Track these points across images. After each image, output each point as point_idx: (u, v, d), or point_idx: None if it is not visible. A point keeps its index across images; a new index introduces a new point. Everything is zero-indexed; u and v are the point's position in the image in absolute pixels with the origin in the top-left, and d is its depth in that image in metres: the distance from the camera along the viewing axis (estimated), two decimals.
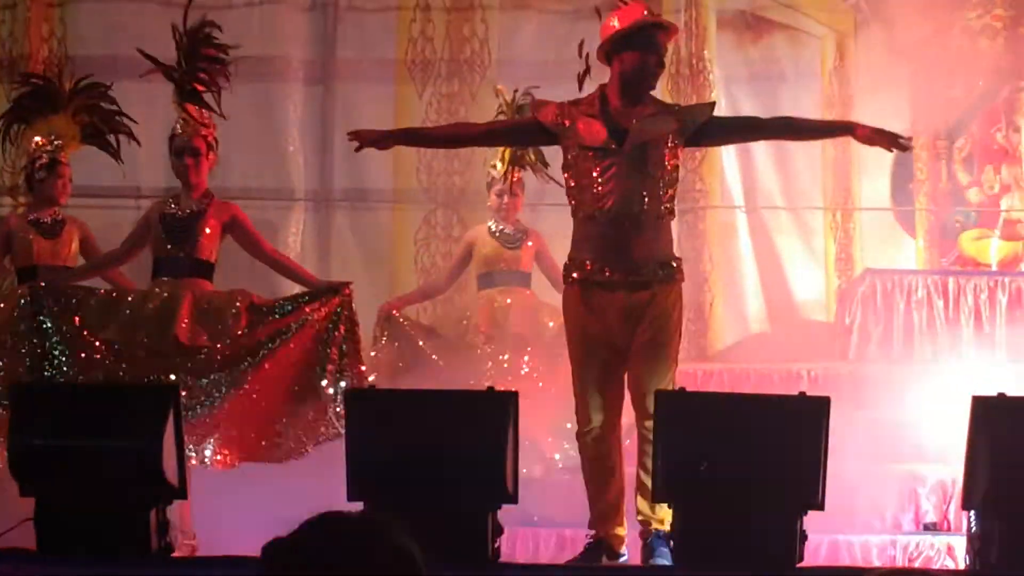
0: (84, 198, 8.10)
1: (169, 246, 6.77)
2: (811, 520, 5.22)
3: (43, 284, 6.74)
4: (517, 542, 6.69)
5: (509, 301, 7.69)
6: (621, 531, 5.82)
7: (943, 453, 6.85)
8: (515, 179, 7.52)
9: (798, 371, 7.63)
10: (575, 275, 5.84)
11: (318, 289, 6.78)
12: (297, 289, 6.89)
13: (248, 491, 6.77)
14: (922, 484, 7.13)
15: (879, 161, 8.45)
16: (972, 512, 5.25)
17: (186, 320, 6.57)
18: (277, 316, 6.66)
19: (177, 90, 6.99)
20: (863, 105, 8.28)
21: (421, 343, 7.60)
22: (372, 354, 7.56)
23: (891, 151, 6.08)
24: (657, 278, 5.80)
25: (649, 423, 5.55)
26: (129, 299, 6.74)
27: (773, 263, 8.65)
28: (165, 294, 6.65)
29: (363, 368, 6.63)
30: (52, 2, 8.64)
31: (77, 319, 6.57)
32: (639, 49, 5.83)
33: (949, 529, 6.94)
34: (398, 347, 7.58)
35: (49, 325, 6.56)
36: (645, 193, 5.76)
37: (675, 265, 5.86)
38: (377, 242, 8.64)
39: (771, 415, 5.34)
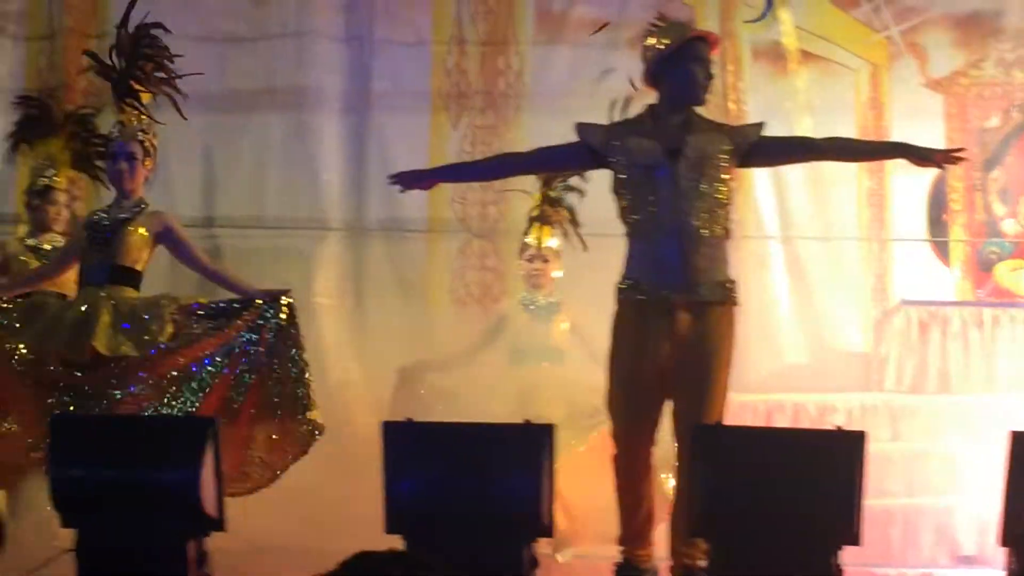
0: None
1: (93, 253, 6.68)
2: (846, 553, 5.22)
3: None
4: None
5: (526, 380, 7.56)
6: (649, 552, 5.84)
7: (979, 486, 6.83)
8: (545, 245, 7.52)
9: (833, 402, 7.63)
10: (627, 296, 5.82)
11: (253, 295, 6.63)
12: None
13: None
14: (958, 517, 7.12)
15: (914, 192, 8.46)
16: (1009, 548, 5.24)
17: (105, 329, 6.45)
18: (208, 327, 6.54)
19: (113, 89, 6.92)
20: (897, 137, 8.28)
21: (439, 407, 7.48)
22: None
23: (943, 168, 6.05)
24: (713, 299, 5.77)
25: (686, 454, 5.55)
26: (51, 308, 6.65)
27: (807, 293, 8.64)
28: (84, 304, 6.54)
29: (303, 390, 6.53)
30: (90, 33, 8.69)
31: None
32: (688, 64, 5.83)
33: (985, 564, 6.92)
34: (408, 412, 7.43)
35: None
36: (700, 211, 5.74)
37: (731, 286, 5.83)
38: (412, 272, 8.66)
39: (807, 450, 5.33)
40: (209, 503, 5.34)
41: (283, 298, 6.57)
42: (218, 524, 5.44)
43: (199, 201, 8.71)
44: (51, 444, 5.47)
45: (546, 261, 7.69)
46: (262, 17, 8.76)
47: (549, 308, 7.72)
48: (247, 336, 6.52)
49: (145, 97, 6.87)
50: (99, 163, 7.25)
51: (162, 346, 6.46)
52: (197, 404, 6.43)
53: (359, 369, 8.32)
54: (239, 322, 6.53)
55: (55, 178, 7.43)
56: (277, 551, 7.41)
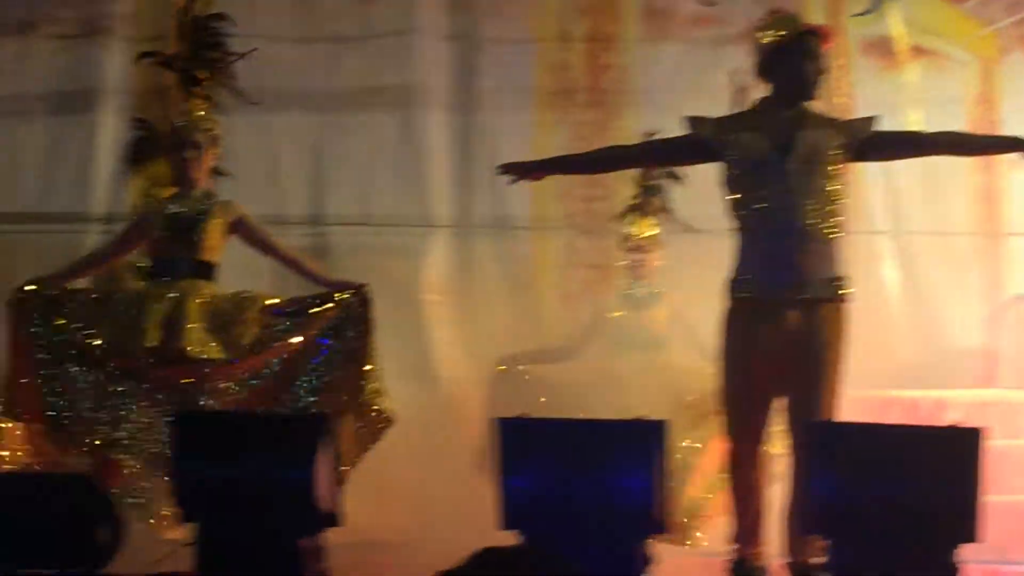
0: None
1: (174, 246, 6.72)
2: (964, 550, 5.17)
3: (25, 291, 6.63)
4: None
5: (627, 371, 7.53)
6: (762, 550, 5.83)
7: None
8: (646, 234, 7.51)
9: (946, 399, 7.57)
10: (737, 293, 5.81)
11: (331, 287, 6.67)
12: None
13: None
14: None
15: None
16: None
17: (194, 327, 6.50)
18: (288, 325, 6.57)
19: (179, 79, 6.94)
20: (1009, 131, 8.20)
21: (542, 399, 7.47)
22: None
23: None
24: (824, 297, 5.74)
25: (801, 452, 5.53)
26: (128, 301, 6.64)
27: (920, 289, 8.58)
28: (170, 299, 6.54)
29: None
30: None
31: (63, 320, 6.53)
32: (799, 58, 5.80)
33: None
34: (514, 398, 7.40)
35: (39, 330, 6.54)
36: (811, 207, 5.71)
37: (841, 283, 5.80)
38: (519, 269, 8.68)
39: (924, 446, 5.30)
40: (325, 499, 5.40)
41: (360, 291, 6.60)
42: (334, 519, 5.50)
43: (308, 199, 8.78)
44: (173, 440, 5.54)
45: (646, 251, 7.68)
46: (369, 17, 8.81)
47: (650, 298, 7.71)
48: (327, 332, 6.57)
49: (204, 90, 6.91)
50: None
51: (246, 349, 6.52)
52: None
53: (467, 365, 8.36)
54: (319, 320, 6.58)
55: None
56: (390, 546, 7.47)
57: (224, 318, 6.53)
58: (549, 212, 8.60)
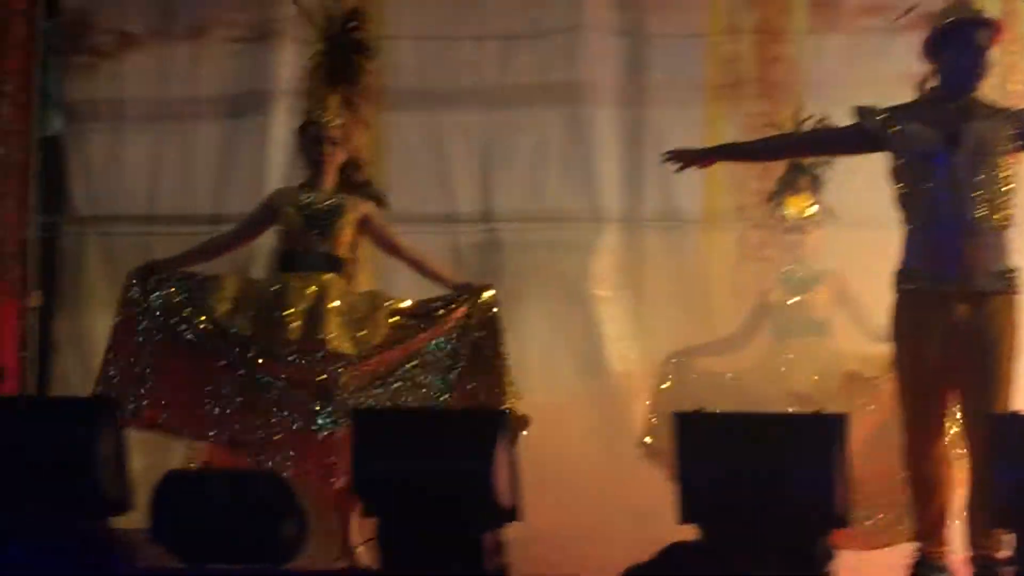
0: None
1: (310, 239, 6.75)
2: None
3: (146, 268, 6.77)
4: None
5: (792, 356, 7.51)
6: (944, 548, 5.77)
7: None
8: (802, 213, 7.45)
9: None
10: (905, 286, 5.77)
11: (457, 289, 6.68)
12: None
13: None
14: None
15: None
16: None
17: (335, 322, 6.54)
18: (416, 327, 6.59)
19: (325, 74, 6.98)
20: None
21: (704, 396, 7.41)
22: (647, 403, 7.51)
23: None
24: (993, 289, 5.68)
25: (980, 447, 5.47)
26: (262, 293, 6.70)
27: None
28: (309, 292, 6.60)
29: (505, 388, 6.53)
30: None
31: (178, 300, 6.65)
32: (957, 48, 5.74)
33: None
34: (679, 397, 7.38)
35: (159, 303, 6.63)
36: (979, 200, 5.65)
37: (1012, 276, 5.72)
38: (690, 263, 8.65)
39: None
40: (505, 493, 5.44)
41: (485, 293, 6.60)
42: (514, 514, 5.54)
43: (478, 196, 8.85)
44: (354, 436, 5.63)
45: (804, 232, 7.60)
46: (537, 14, 8.85)
47: (810, 279, 7.62)
48: (454, 332, 6.58)
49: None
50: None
51: (375, 348, 6.56)
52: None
53: (638, 360, 8.37)
54: (445, 321, 6.60)
55: None
56: (566, 541, 7.51)
57: (356, 316, 6.60)
58: (720, 205, 8.57)
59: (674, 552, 2.57)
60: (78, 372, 8.80)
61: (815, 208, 7.62)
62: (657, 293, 8.22)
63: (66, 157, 9.32)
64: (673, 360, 7.64)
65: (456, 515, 5.41)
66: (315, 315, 6.56)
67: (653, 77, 8.75)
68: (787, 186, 7.63)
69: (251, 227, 7.11)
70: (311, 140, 6.85)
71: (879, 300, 6.16)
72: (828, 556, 5.30)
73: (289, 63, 9.01)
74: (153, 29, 9.27)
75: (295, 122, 8.66)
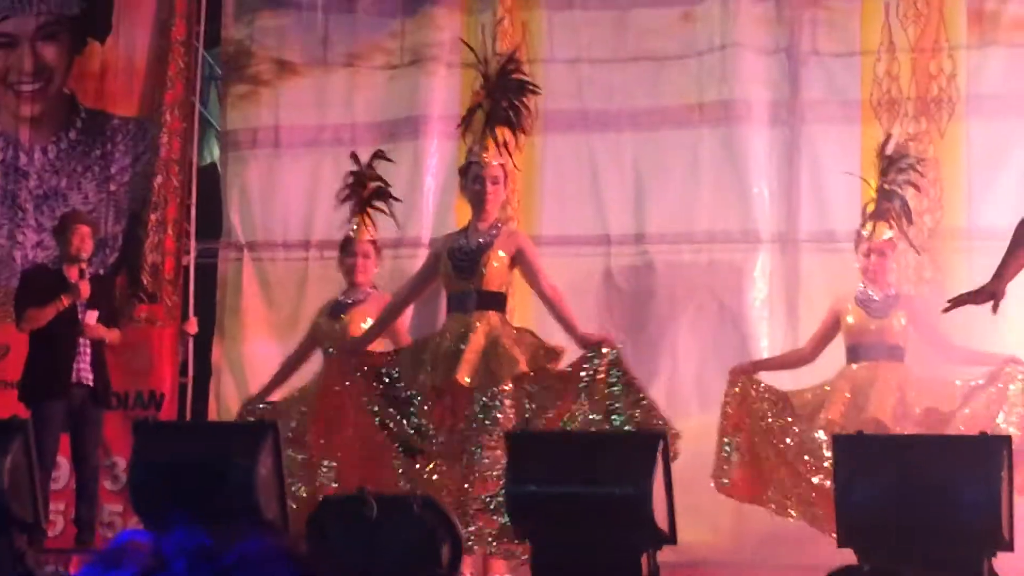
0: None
1: (459, 281, 6.75)
2: None
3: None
4: None
5: (869, 378, 7.25)
6: None
7: None
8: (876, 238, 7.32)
9: None
10: None
11: (580, 341, 6.61)
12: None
13: None
14: None
15: None
16: None
17: (470, 358, 6.54)
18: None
19: (486, 116, 7.00)
20: None
21: (769, 419, 7.31)
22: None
23: None
24: None
25: None
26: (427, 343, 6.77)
27: None
28: (458, 332, 6.61)
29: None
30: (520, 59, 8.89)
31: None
32: None
33: None
34: (743, 414, 7.30)
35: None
36: None
37: None
38: (845, 283, 8.52)
39: None
40: (661, 516, 5.40)
41: (605, 349, 6.54)
42: (670, 538, 5.50)
43: (631, 218, 8.81)
44: (508, 459, 5.63)
45: (882, 255, 7.43)
46: (690, 33, 8.81)
47: (886, 303, 7.44)
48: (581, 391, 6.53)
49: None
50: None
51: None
52: None
53: (791, 382, 8.25)
54: (575, 382, 6.55)
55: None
56: (718, 566, 7.45)
57: (497, 351, 6.60)
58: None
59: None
60: (234, 396, 8.90)
61: (891, 233, 7.45)
62: (812, 313, 8.09)
63: (224, 184, 9.47)
64: (738, 379, 7.47)
65: (612, 538, 5.38)
66: (455, 355, 6.63)
67: (808, 95, 8.65)
68: (875, 212, 7.49)
69: (421, 278, 7.20)
70: (472, 179, 6.89)
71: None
72: None
73: (443, 87, 9.08)
74: (310, 57, 9.39)
75: (448, 146, 8.74)
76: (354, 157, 7.75)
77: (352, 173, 7.69)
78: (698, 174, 8.76)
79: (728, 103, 8.73)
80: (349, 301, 7.53)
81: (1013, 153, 8.35)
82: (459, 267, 6.76)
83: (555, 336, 6.88)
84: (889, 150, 7.58)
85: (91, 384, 8.05)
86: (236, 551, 1.79)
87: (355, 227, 7.61)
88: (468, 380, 6.49)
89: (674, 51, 8.81)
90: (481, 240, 6.78)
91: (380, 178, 7.67)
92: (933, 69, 8.51)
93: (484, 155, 6.87)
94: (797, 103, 8.66)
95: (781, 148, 8.67)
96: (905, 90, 8.51)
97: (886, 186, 7.45)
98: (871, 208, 7.49)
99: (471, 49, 7.72)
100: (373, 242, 7.63)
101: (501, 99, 6.96)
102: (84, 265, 8.15)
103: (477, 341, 6.56)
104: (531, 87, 7.11)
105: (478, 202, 6.86)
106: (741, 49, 8.73)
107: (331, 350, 7.22)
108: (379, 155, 7.74)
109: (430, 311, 8.09)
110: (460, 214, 8.68)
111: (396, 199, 7.67)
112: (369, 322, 7.28)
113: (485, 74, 7.13)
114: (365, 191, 7.65)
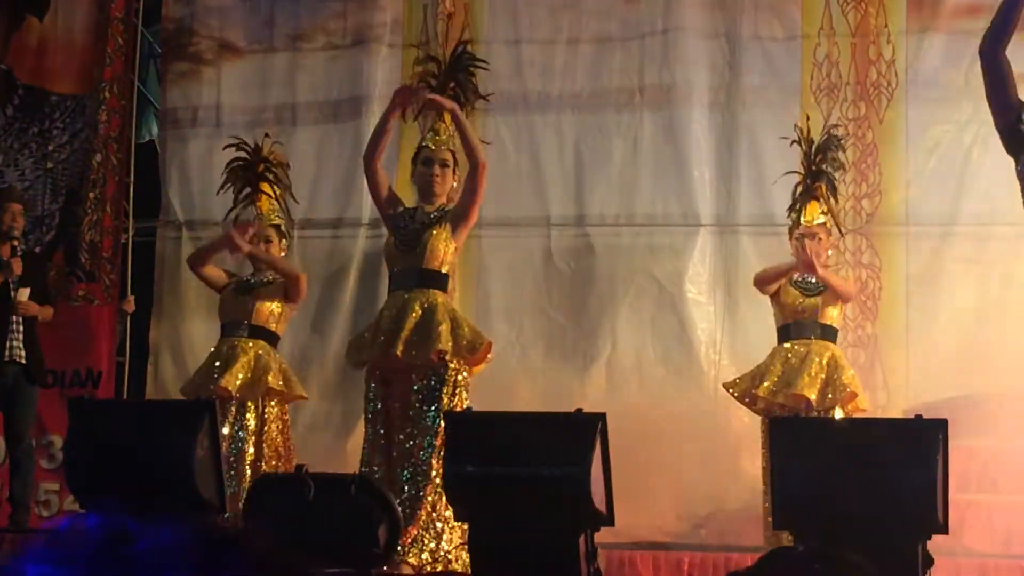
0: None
1: (401, 256, 6.81)
2: None
3: None
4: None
5: (801, 355, 7.31)
6: None
7: None
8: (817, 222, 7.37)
9: None
10: None
11: None
12: None
13: None
14: None
15: None
16: None
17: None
18: None
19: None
20: None
21: None
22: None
23: None
24: None
25: None
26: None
27: None
28: (396, 307, 6.74)
29: None
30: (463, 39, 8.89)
31: None
32: None
33: None
34: None
35: None
36: None
37: None
38: None
39: None
40: (599, 497, 5.40)
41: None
42: (608, 519, 5.50)
43: (571, 200, 8.82)
44: (446, 439, 5.61)
45: (815, 239, 7.46)
46: (633, 16, 8.81)
47: (819, 285, 7.45)
48: None
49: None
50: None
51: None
52: None
53: (730, 364, 8.29)
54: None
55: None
56: (655, 547, 7.47)
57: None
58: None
59: (779, 558, 2.52)
60: (172, 376, 8.87)
61: (824, 218, 7.47)
62: (750, 297, 8.13)
63: (163, 162, 9.41)
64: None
65: (550, 518, 5.38)
66: (396, 330, 6.73)
67: (748, 80, 8.67)
68: (804, 194, 7.50)
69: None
70: (422, 162, 6.90)
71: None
72: (929, 563, 5.23)
73: (385, 67, 9.05)
74: (253, 38, 9.34)
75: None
76: (239, 141, 7.74)
77: (237, 158, 7.67)
78: (639, 157, 8.77)
79: (669, 86, 8.75)
80: (253, 282, 7.53)
81: (951, 139, 8.39)
82: (404, 243, 6.76)
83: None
84: (817, 135, 7.55)
85: (24, 361, 7.99)
86: (151, 537, 1.77)
87: (256, 212, 7.59)
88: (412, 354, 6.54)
89: (616, 33, 8.82)
90: (427, 220, 6.78)
91: (267, 160, 7.65)
92: (872, 54, 8.55)
93: (434, 139, 6.88)
94: (737, 87, 8.68)
95: (721, 132, 8.69)
96: (845, 75, 8.54)
97: (813, 167, 7.46)
98: (800, 190, 7.49)
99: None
100: (276, 226, 7.60)
101: (448, 80, 6.96)
102: (16, 242, 8.08)
103: (414, 317, 6.59)
104: (479, 64, 7.11)
105: (427, 185, 6.86)
106: (683, 33, 8.74)
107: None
108: (267, 136, 7.77)
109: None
110: (400, 193, 8.66)
111: (284, 182, 7.65)
112: (276, 305, 7.36)
113: (433, 55, 7.14)
114: (254, 175, 7.64)
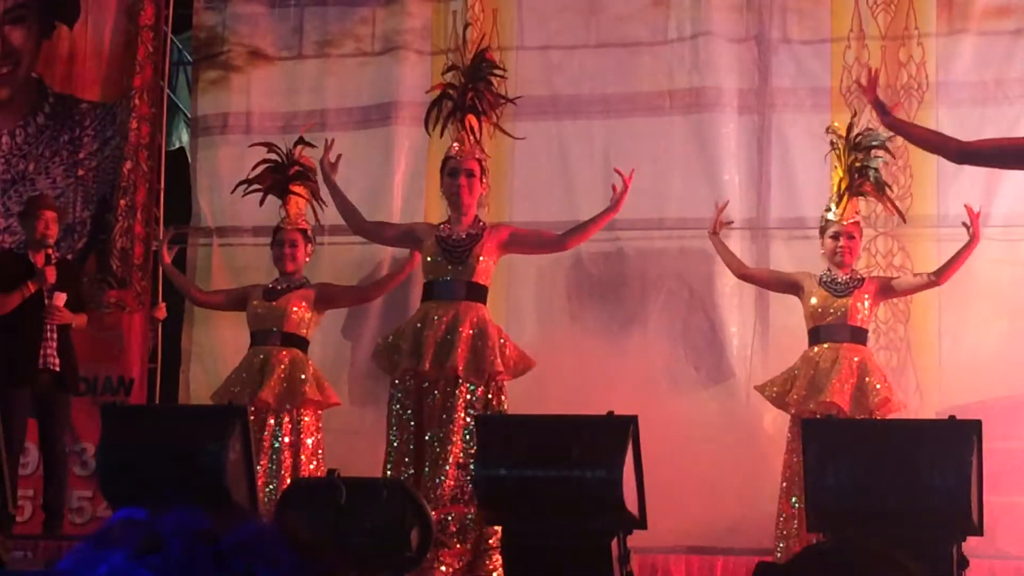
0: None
1: (448, 267, 6.84)
2: None
3: None
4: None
5: (831, 359, 7.22)
6: None
7: None
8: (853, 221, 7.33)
9: None
10: None
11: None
12: None
13: None
14: None
15: None
16: None
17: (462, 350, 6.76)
18: None
19: (456, 108, 7.04)
20: None
21: None
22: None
23: None
24: None
25: None
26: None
27: None
28: (444, 319, 6.78)
29: None
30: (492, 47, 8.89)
31: None
32: None
33: None
34: None
35: None
36: None
37: None
38: (814, 269, 8.53)
39: None
40: (631, 500, 5.40)
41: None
42: (640, 522, 5.49)
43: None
44: (478, 443, 5.61)
45: (851, 237, 7.41)
46: (661, 20, 8.81)
47: (850, 285, 7.40)
48: None
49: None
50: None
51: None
52: None
53: (761, 366, 8.27)
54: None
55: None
56: (689, 552, 7.44)
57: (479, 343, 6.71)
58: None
59: (811, 554, 2.51)
60: (204, 382, 8.88)
61: (857, 217, 7.43)
62: (781, 300, 8.10)
63: (193, 169, 9.43)
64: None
65: (582, 522, 5.38)
66: (447, 344, 6.81)
67: (778, 83, 8.66)
68: (847, 189, 7.43)
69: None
70: (448, 173, 6.94)
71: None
72: (964, 564, 5.21)
73: (414, 73, 9.06)
74: (283, 45, 9.36)
75: (419, 133, 8.71)
76: (268, 145, 7.77)
77: (268, 160, 7.69)
78: (669, 161, 8.76)
79: (699, 90, 8.74)
80: (279, 288, 7.54)
81: None
82: (449, 254, 6.77)
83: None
84: (855, 132, 7.54)
85: (58, 369, 8.01)
86: (234, 534, 1.78)
87: (283, 216, 7.61)
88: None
89: (645, 38, 8.82)
90: (470, 232, 6.82)
91: (300, 163, 7.67)
92: (903, 56, 8.53)
93: (460, 150, 6.90)
94: (767, 90, 8.67)
95: (751, 135, 8.68)
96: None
97: (857, 163, 7.42)
98: (843, 186, 7.43)
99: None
100: (303, 231, 7.61)
101: (468, 88, 6.99)
102: (50, 250, 8.11)
103: (466, 331, 6.66)
104: (496, 72, 7.14)
105: (455, 196, 6.90)
106: (712, 37, 8.74)
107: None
108: (301, 141, 7.77)
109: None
110: (429, 201, 8.69)
111: (315, 183, 7.69)
112: (306, 311, 7.40)
113: (455, 64, 7.16)
114: (284, 178, 7.65)
